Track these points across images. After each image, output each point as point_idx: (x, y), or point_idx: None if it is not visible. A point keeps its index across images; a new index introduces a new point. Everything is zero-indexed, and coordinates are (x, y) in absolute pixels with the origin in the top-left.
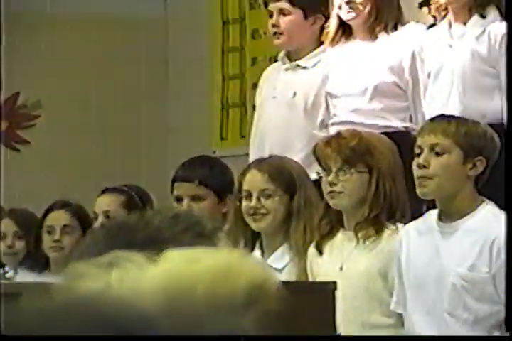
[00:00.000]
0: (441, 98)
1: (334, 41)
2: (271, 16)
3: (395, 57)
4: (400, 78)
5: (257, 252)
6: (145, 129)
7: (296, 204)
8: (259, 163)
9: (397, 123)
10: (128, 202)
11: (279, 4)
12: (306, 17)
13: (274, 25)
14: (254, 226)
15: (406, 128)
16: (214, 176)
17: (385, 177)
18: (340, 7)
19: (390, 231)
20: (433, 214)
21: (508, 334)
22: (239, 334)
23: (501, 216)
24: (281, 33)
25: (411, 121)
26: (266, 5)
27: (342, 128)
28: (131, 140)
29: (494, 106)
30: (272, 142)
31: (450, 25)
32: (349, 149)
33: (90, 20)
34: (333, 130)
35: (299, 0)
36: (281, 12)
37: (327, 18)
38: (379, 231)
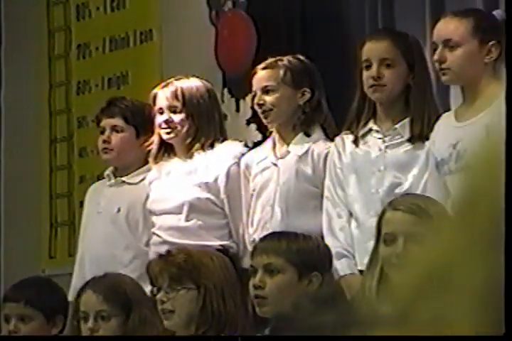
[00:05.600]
0: (264, 216)
1: (157, 159)
2: (102, 133)
3: (209, 174)
4: (216, 195)
5: None
6: None
7: (132, 323)
8: (94, 283)
9: (214, 242)
10: None
11: (112, 121)
12: (138, 136)
13: (104, 141)
14: None
15: (223, 246)
16: (42, 297)
17: (212, 294)
18: (160, 126)
19: None
20: None
21: (503, 333)
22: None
23: None
24: (111, 149)
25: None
26: (98, 123)
27: (161, 248)
28: None
29: (319, 224)
30: (94, 258)
31: (274, 144)
32: (175, 267)
33: None
34: (153, 250)
35: (132, 118)
36: (114, 129)
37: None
38: None
